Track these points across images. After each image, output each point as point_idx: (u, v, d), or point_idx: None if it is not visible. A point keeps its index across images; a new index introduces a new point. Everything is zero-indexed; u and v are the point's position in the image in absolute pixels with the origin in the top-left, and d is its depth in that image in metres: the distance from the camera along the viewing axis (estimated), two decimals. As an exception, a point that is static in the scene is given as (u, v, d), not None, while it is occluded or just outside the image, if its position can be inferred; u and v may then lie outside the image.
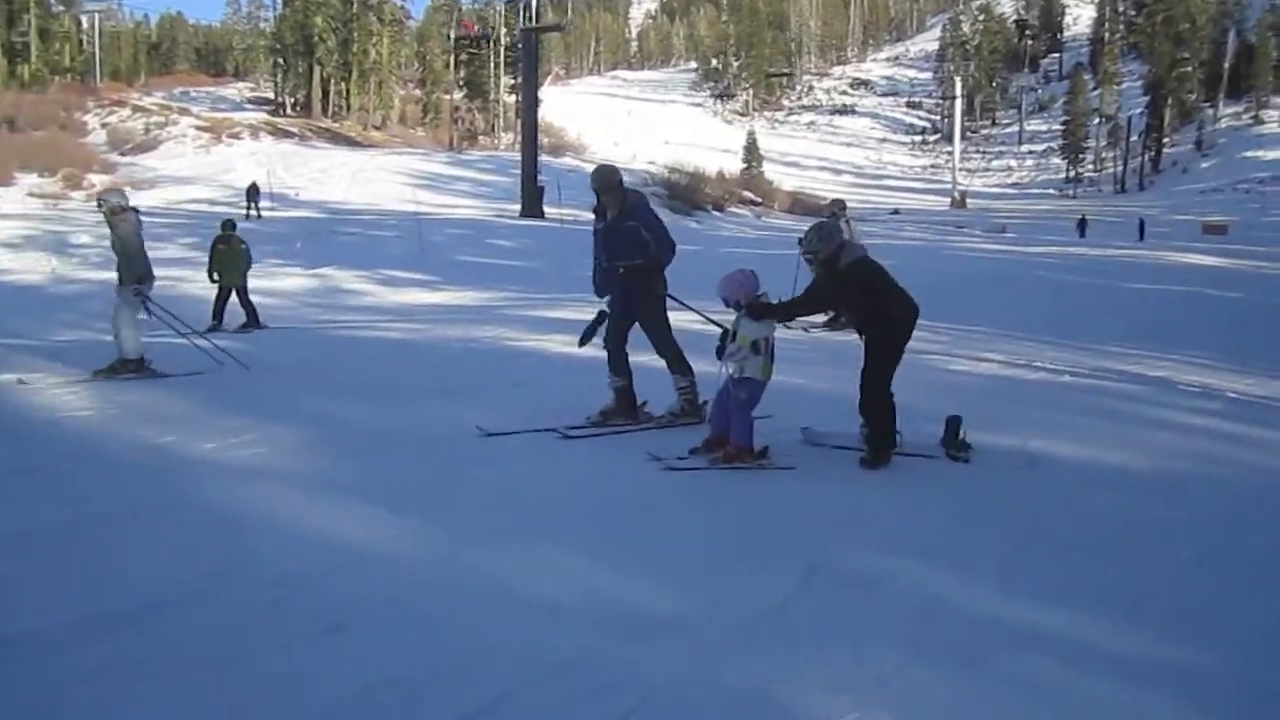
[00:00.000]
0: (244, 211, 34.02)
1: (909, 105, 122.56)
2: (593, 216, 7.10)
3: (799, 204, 63.22)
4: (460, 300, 18.03)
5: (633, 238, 6.77)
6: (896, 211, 64.80)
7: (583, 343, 7.11)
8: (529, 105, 39.56)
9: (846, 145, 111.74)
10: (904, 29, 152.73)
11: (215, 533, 4.55)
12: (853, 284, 6.04)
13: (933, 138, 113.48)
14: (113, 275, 9.58)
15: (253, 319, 13.70)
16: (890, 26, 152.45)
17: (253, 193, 35.46)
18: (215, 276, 13.82)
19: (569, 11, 77.78)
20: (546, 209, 37.93)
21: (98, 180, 47.22)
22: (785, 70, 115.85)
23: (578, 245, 29.83)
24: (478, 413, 7.00)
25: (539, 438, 6.50)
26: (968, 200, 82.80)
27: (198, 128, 58.80)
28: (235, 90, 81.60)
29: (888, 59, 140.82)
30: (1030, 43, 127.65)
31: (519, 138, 70.44)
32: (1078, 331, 12.91)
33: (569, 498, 5.32)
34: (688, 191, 51.63)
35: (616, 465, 5.88)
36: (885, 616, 3.72)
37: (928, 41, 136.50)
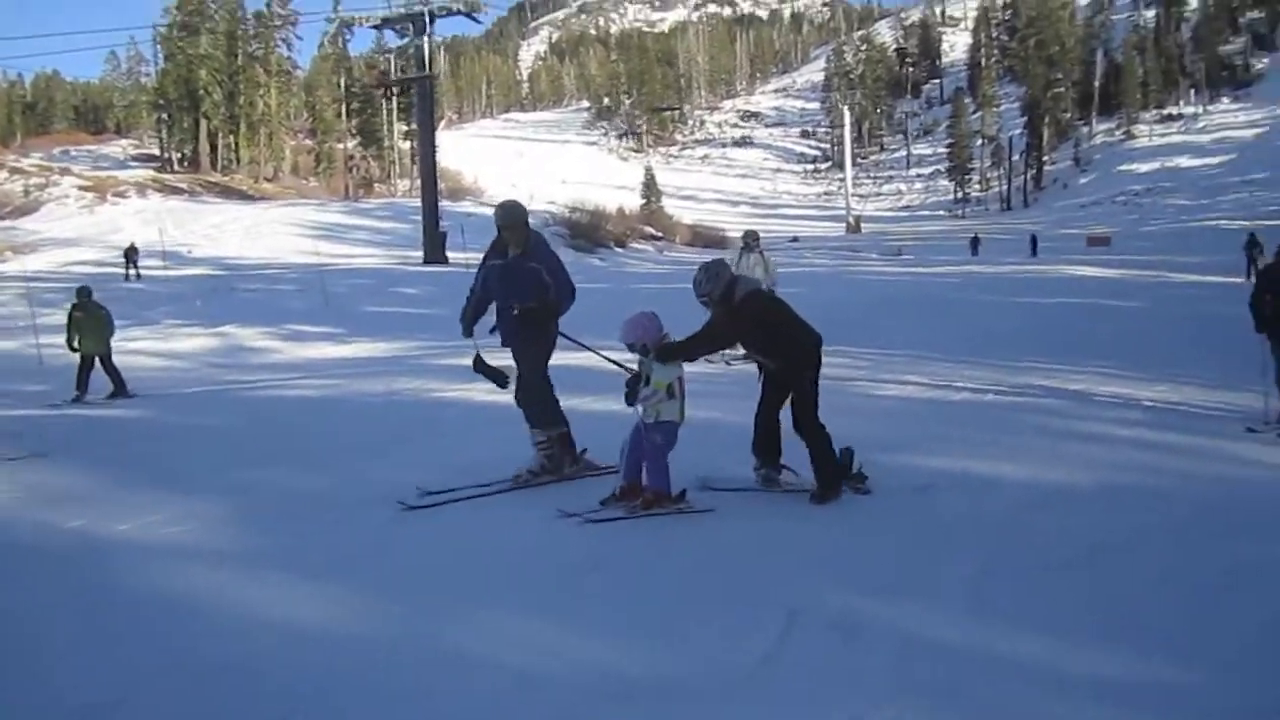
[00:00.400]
0: (123, 273, 32.71)
1: (800, 135, 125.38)
2: (483, 254, 6.80)
3: (699, 237, 63.86)
4: (370, 352, 17.60)
5: (534, 280, 6.42)
6: (795, 239, 65.82)
7: (500, 379, 6.70)
8: (426, 151, 39.24)
9: (741, 176, 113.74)
10: (789, 61, 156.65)
11: (146, 621, 4.23)
12: (747, 317, 6.02)
13: (824, 165, 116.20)
14: None
15: (119, 387, 13.20)
16: (776, 59, 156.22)
17: (131, 253, 33.91)
18: (75, 345, 13.36)
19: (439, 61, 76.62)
20: (449, 254, 37.53)
21: (-26, 247, 45.31)
22: (673, 105, 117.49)
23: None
24: (408, 471, 6.74)
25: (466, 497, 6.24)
26: (862, 224, 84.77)
27: (80, 187, 56.89)
28: (119, 148, 79.22)
29: (775, 90, 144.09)
30: (911, 70, 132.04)
31: (416, 184, 70.00)
32: (991, 349, 13.14)
33: (507, 560, 5.06)
34: (589, 229, 51.69)
35: (530, 524, 5.58)
36: (867, 662, 3.61)
37: (813, 72, 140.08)
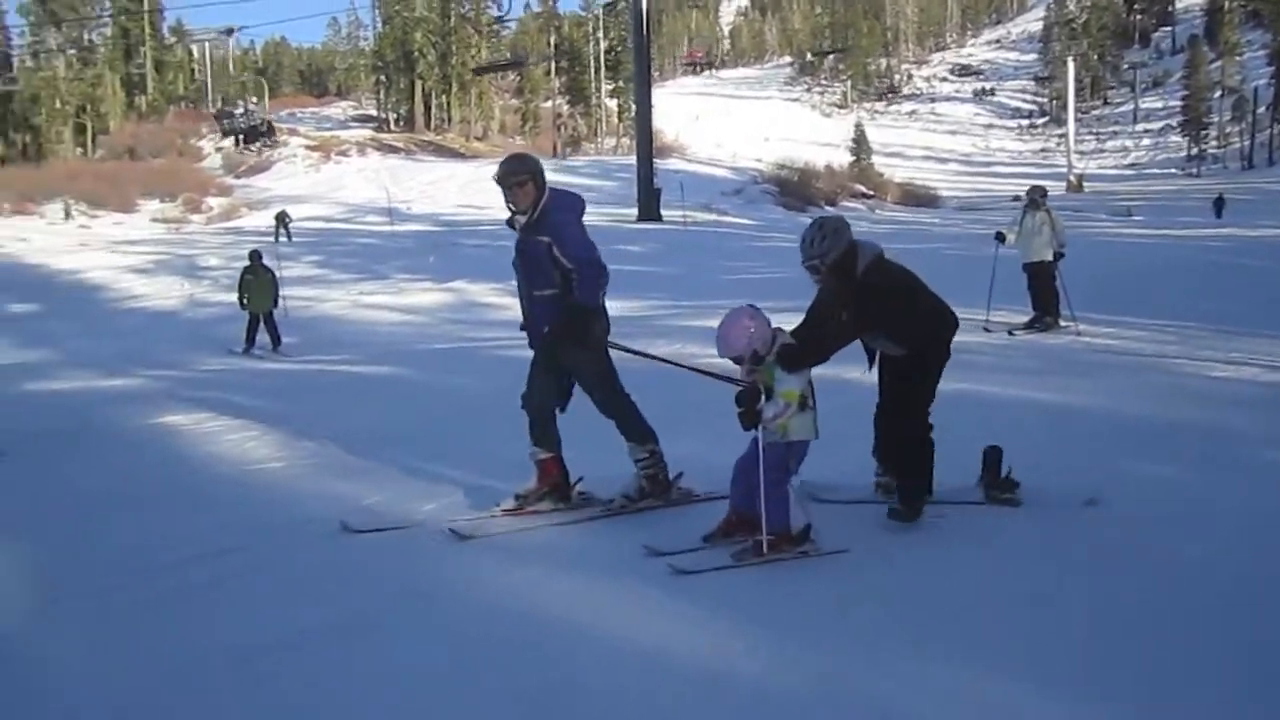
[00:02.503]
0: (273, 238, 31.78)
1: (1015, 89, 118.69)
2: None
3: (910, 195, 61.28)
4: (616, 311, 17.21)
5: (544, 259, 5.04)
6: (1018, 198, 62.02)
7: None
8: (643, 108, 38.70)
9: (951, 133, 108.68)
10: (1004, 10, 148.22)
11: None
12: (875, 294, 4.78)
13: (1040, 121, 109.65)
14: None
15: (276, 342, 14.55)
16: (990, 9, 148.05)
17: (283, 218, 34.14)
18: (244, 303, 14.82)
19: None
20: (664, 212, 37.09)
21: (216, 203, 48.13)
22: (837, 48, 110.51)
23: (707, 247, 29.32)
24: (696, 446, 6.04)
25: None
26: (1084, 183, 79.54)
27: (307, 147, 59.70)
28: (339, 109, 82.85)
29: (988, 42, 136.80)
30: (1140, 16, 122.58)
31: (622, 141, 70.19)
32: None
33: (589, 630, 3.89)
34: (799, 187, 50.28)
35: (607, 568, 4.52)
36: None
37: (1030, 22, 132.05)
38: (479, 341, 13.81)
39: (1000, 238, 12.25)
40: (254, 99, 68.96)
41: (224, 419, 8.14)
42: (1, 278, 23.58)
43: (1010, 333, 11.67)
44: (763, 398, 4.55)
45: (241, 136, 59.80)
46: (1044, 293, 12.01)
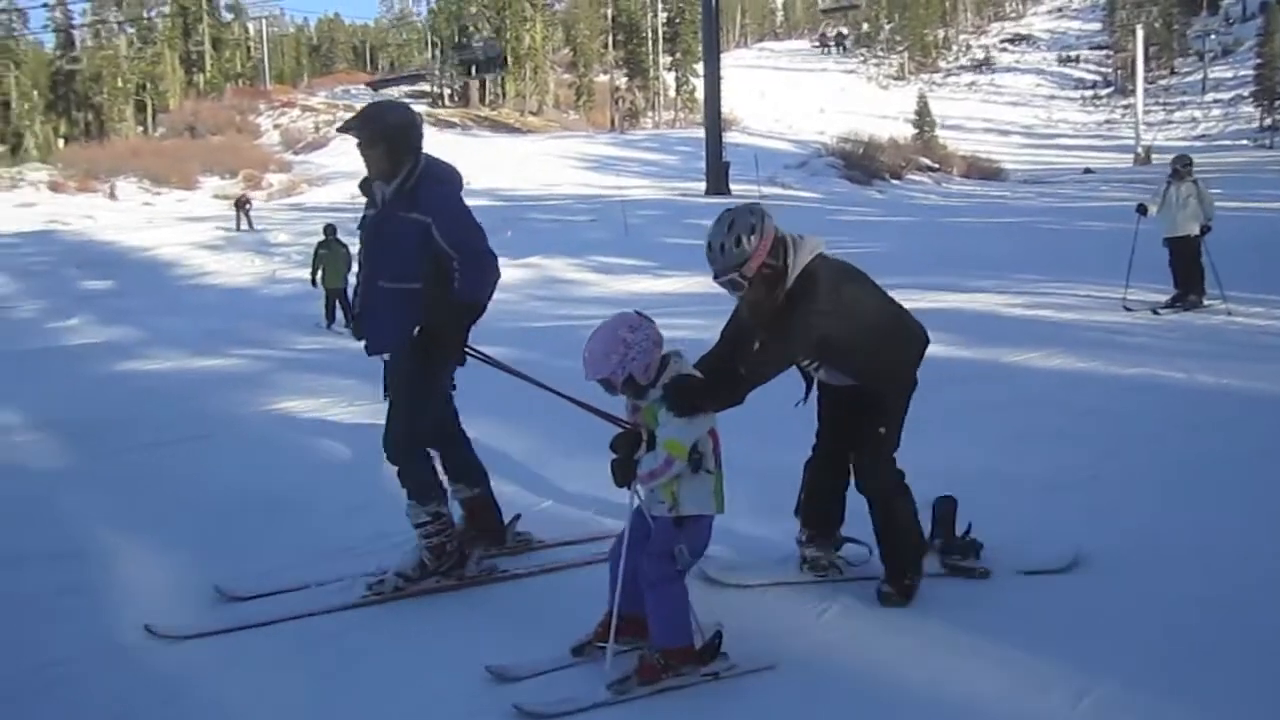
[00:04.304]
0: (233, 226, 29.22)
1: (1077, 59, 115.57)
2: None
3: (975, 168, 59.70)
4: (688, 287, 16.45)
5: (415, 243, 3.93)
6: (1088, 171, 60.49)
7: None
8: (711, 79, 37.83)
9: (1012, 104, 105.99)
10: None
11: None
12: (819, 307, 3.56)
13: (1105, 92, 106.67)
14: None
15: (350, 319, 13.75)
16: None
17: (242, 203, 31.09)
18: (316, 280, 14.47)
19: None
20: (731, 186, 36.25)
21: (276, 180, 48.06)
22: (848, 4, 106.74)
23: (786, 221, 28.06)
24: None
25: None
26: (1152, 155, 77.27)
27: (364, 123, 59.45)
28: (393, 86, 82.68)
29: (1049, 10, 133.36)
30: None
31: (681, 115, 69.34)
32: None
33: None
34: (864, 161, 49.08)
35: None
36: None
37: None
38: (572, 320, 13.23)
39: (1142, 210, 11.46)
40: (488, 31, 68.50)
41: (344, 404, 7.65)
42: (75, 255, 23.48)
43: (1154, 311, 10.88)
44: (643, 446, 3.33)
45: (476, 66, 59.02)
46: (1189, 269, 11.19)
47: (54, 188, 45.20)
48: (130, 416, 7.67)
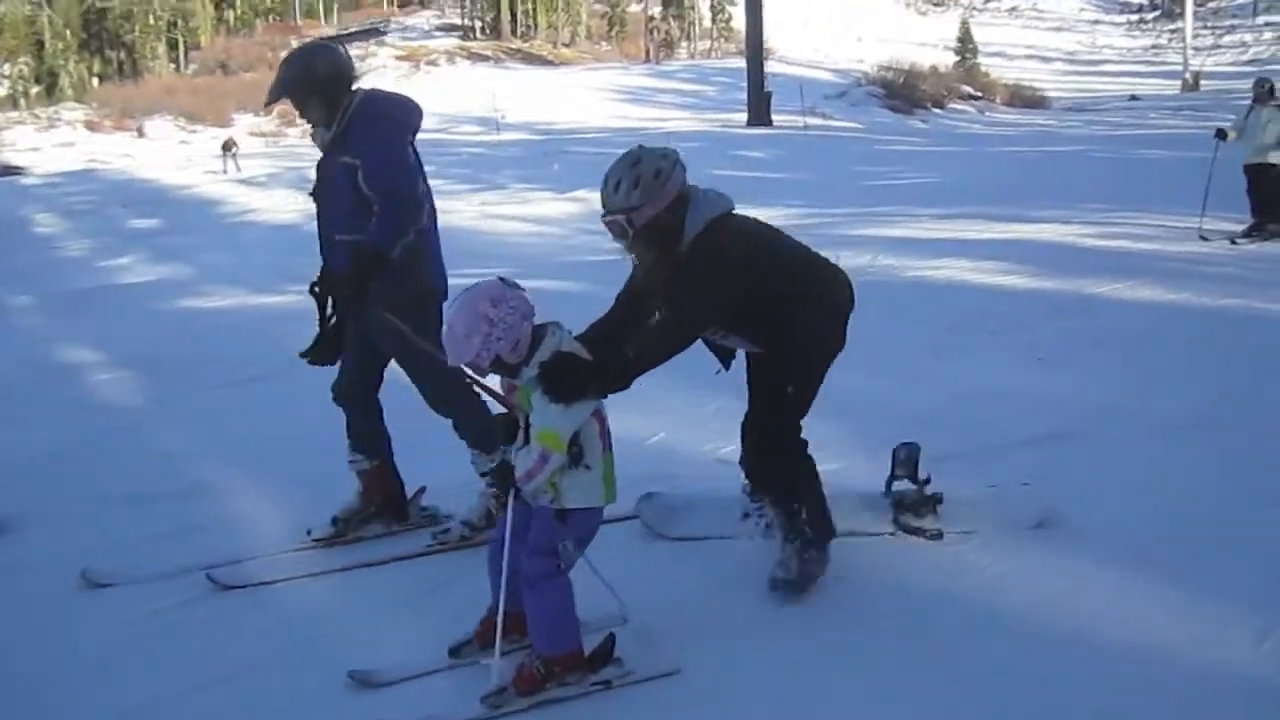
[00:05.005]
0: (221, 169, 29.14)
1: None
2: None
3: (1018, 97, 58.33)
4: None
5: (353, 186, 3.69)
6: (1135, 98, 58.90)
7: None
8: (753, 9, 37.09)
9: (1055, 30, 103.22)
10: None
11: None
12: (718, 272, 3.14)
13: (1151, 15, 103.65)
14: None
15: None
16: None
17: (229, 146, 30.91)
18: None
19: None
20: (773, 116, 35.62)
21: (310, 116, 47.84)
22: None
23: (832, 152, 27.86)
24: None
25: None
26: (1201, 81, 75.17)
27: (396, 58, 58.96)
28: (423, 18, 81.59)
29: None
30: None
31: (718, 45, 68.10)
32: None
33: None
34: (905, 90, 48.02)
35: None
36: None
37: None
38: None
39: (1221, 135, 11.06)
40: None
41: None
42: (119, 194, 23.48)
43: (1232, 241, 10.54)
44: (519, 438, 2.93)
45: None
46: (1270, 198, 10.81)
47: (90, 127, 45.28)
48: (207, 353, 7.64)
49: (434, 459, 4.23)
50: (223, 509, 4.52)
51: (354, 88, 3.80)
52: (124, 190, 24.09)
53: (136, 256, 16.73)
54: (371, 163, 3.63)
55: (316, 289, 3.86)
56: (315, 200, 3.87)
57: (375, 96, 3.85)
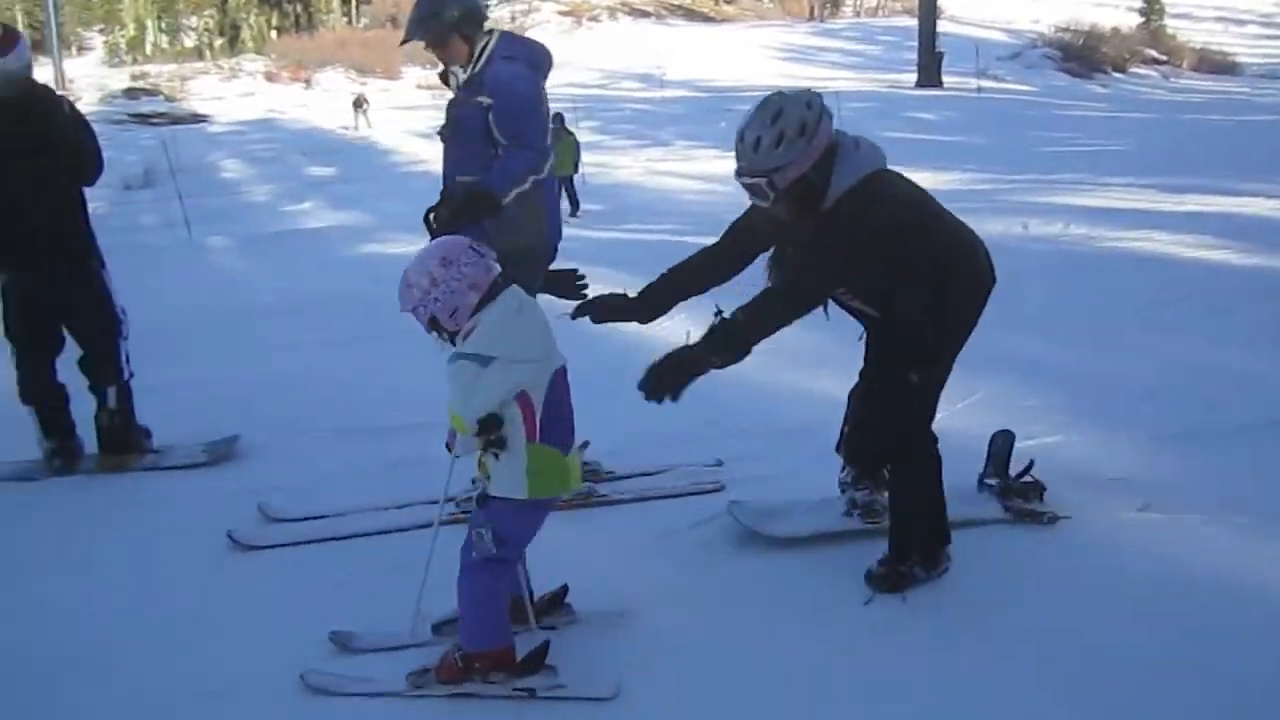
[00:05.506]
0: (352, 126, 30.20)
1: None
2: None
3: (1205, 61, 54.73)
4: (928, 183, 15.77)
5: (482, 127, 3.59)
6: (1336, 61, 54.65)
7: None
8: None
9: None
10: None
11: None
12: (868, 234, 2.81)
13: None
14: None
15: (574, 207, 14.13)
16: None
17: (361, 103, 31.78)
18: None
19: None
20: (943, 78, 34.44)
21: (476, 70, 48.77)
22: None
23: (1010, 115, 26.66)
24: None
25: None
26: None
27: (559, 13, 59.32)
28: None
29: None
30: None
31: (883, 3, 66.12)
32: None
33: None
34: (1084, 52, 45.62)
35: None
36: None
37: None
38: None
39: None
40: None
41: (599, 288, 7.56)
42: (298, 143, 24.49)
43: None
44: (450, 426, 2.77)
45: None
46: None
47: (269, 78, 47.21)
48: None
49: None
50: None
51: (485, 27, 3.73)
52: (303, 139, 25.10)
53: (316, 202, 17.43)
54: (506, 103, 3.57)
55: (430, 216, 3.77)
56: (443, 140, 3.82)
57: (513, 39, 3.81)
